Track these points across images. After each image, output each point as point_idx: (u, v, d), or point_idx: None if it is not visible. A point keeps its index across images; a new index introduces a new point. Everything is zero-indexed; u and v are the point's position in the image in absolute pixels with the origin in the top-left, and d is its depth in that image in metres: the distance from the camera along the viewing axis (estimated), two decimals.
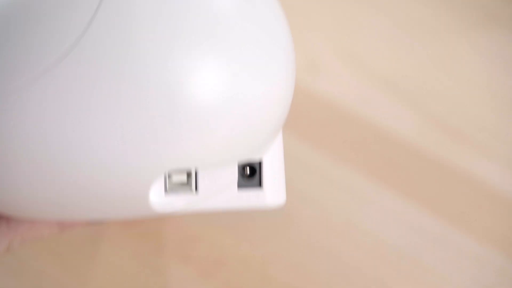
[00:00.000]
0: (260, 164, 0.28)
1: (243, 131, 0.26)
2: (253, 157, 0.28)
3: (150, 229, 0.41)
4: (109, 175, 0.25)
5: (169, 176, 0.27)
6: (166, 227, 0.40)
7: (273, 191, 0.29)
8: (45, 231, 0.30)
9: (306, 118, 0.44)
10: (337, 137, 0.43)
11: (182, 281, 0.39)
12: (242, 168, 0.28)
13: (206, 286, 0.39)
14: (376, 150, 0.43)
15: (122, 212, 0.27)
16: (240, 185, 0.28)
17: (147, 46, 0.24)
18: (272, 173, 0.29)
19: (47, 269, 0.39)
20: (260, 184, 0.29)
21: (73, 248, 0.39)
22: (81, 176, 0.25)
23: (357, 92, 0.45)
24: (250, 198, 0.29)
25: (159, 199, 0.27)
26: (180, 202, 0.28)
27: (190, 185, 0.28)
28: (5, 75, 0.24)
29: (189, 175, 0.28)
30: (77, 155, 0.24)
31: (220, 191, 0.28)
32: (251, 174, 0.29)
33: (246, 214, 0.39)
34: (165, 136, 0.25)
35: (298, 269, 0.40)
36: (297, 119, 0.43)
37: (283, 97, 0.28)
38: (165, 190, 0.27)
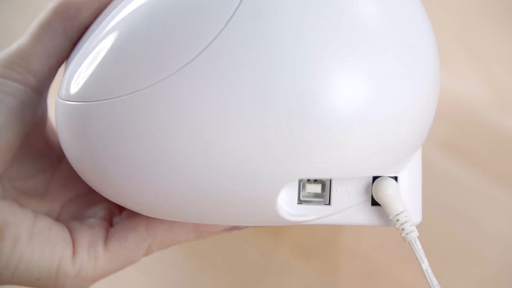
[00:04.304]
0: (396, 180, 0.27)
1: (380, 145, 0.26)
2: (388, 172, 0.27)
3: None
4: (242, 179, 0.25)
5: (303, 187, 0.27)
6: None
7: (408, 210, 0.28)
8: (182, 236, 0.30)
9: (492, 155, 0.41)
10: None
11: None
12: None
13: None
14: None
15: (254, 218, 0.27)
16: (374, 201, 0.28)
17: (287, 47, 0.24)
18: (408, 191, 0.28)
19: None
20: None
21: None
22: (213, 177, 0.25)
23: None
24: (383, 215, 0.28)
25: (291, 209, 0.27)
26: (312, 213, 0.27)
27: (324, 197, 0.27)
28: (146, 68, 0.25)
29: (323, 186, 0.27)
30: (210, 155, 0.25)
31: (353, 205, 0.27)
32: None
33: None
34: (299, 144, 0.25)
35: None
36: (483, 155, 0.41)
37: (424, 113, 0.27)
38: (298, 200, 0.27)
